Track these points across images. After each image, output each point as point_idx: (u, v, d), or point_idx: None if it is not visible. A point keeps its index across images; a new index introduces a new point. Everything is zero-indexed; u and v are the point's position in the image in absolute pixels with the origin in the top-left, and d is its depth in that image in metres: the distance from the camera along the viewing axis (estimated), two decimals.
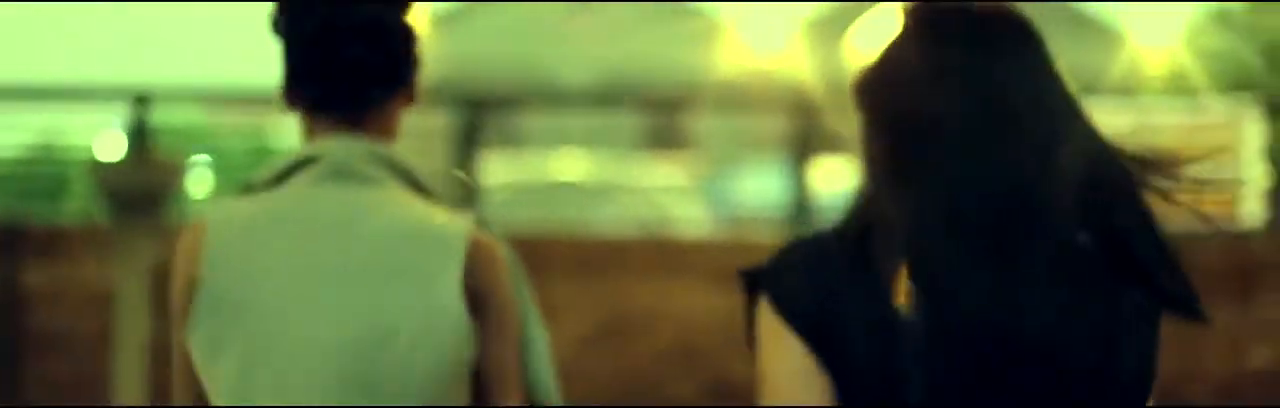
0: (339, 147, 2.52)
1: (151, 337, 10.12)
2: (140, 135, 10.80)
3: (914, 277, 2.04)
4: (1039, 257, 2.05)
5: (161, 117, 18.03)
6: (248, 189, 2.51)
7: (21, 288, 12.45)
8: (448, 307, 2.39)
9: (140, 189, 9.71)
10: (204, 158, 17.20)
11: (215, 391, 2.41)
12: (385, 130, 2.56)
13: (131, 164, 9.86)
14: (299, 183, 2.50)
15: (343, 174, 2.49)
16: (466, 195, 2.63)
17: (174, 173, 10.02)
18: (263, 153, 19.52)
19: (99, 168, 9.76)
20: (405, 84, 2.58)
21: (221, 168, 17.69)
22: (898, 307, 2.04)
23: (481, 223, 2.50)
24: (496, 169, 14.37)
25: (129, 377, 9.89)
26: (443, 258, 2.40)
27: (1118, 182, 2.08)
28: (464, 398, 2.44)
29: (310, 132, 2.57)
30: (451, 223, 2.46)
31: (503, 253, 2.49)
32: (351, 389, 2.37)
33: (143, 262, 9.75)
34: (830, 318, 2.07)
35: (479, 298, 2.43)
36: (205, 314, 2.38)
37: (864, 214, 2.10)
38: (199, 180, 16.72)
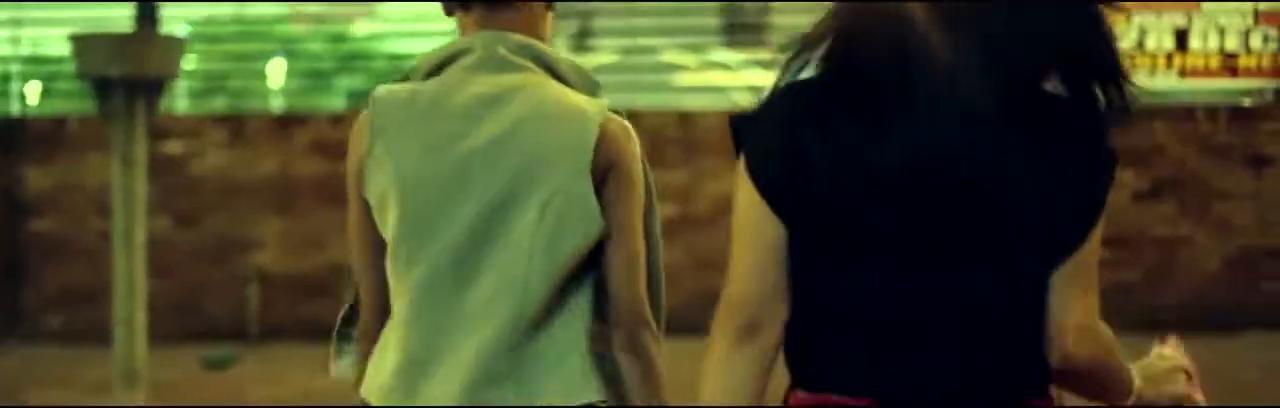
0: (489, 38, 2.88)
1: (146, 236, 9.63)
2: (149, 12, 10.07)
3: (876, 120, 2.34)
4: (994, 102, 2.32)
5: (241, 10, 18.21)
6: (404, 78, 2.90)
7: (22, 189, 11.89)
8: (582, 174, 2.73)
9: (135, 69, 9.07)
10: (280, 53, 17.21)
11: (387, 237, 2.79)
12: (529, 26, 2.91)
13: (129, 40, 9.18)
14: (454, 71, 2.84)
15: (493, 62, 2.84)
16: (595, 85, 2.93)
17: (173, 52, 9.35)
18: (345, 56, 19.50)
19: (90, 43, 9.07)
20: None
21: (298, 66, 17.67)
22: (863, 146, 2.33)
23: (616, 110, 2.85)
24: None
25: (128, 280, 9.37)
26: (579, 135, 2.74)
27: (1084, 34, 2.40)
28: (573, 260, 2.76)
29: (463, 28, 2.92)
30: (589, 104, 2.81)
31: (631, 132, 2.84)
32: (500, 239, 2.72)
33: (139, 154, 9.17)
34: (795, 164, 2.37)
35: (609, 169, 2.76)
36: (374, 181, 2.77)
37: (838, 64, 2.40)
38: (273, 73, 16.81)
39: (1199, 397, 2.62)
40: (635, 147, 2.84)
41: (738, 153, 2.46)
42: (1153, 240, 12.48)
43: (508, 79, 2.83)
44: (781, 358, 2.49)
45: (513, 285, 2.74)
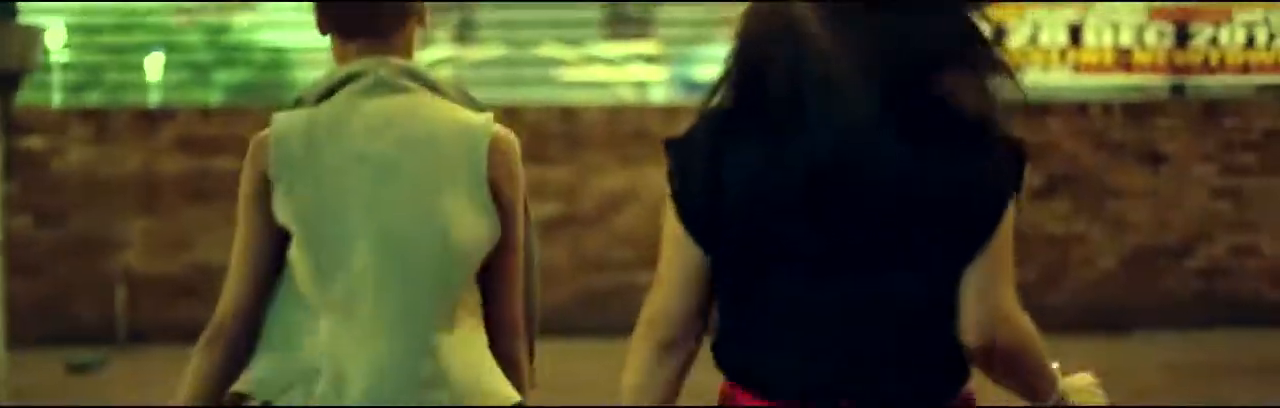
0: (375, 64, 3.13)
1: (5, 235, 9.29)
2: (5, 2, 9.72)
3: (777, 138, 2.54)
4: (884, 108, 2.49)
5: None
6: (298, 103, 3.13)
7: None
8: (475, 186, 2.98)
9: None
10: (158, 49, 16.96)
11: (294, 255, 3.00)
12: (406, 49, 3.19)
13: None
14: (346, 94, 3.07)
15: (382, 86, 3.08)
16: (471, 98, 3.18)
17: (32, 43, 9.00)
18: (224, 48, 19.30)
19: None
20: (416, 11, 3.20)
21: (178, 61, 17.43)
22: (767, 163, 2.54)
23: (496, 118, 3.09)
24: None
25: None
26: (472, 147, 2.98)
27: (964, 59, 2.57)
28: (474, 268, 3.00)
29: (343, 55, 3.18)
30: (475, 118, 3.06)
31: (515, 141, 3.08)
32: (391, 257, 2.94)
33: None
34: (708, 188, 2.60)
35: (498, 179, 3.00)
36: (281, 204, 2.98)
37: (739, 86, 2.62)
38: (152, 69, 16.57)
39: None
40: (517, 153, 3.11)
41: (667, 178, 2.71)
42: (1046, 239, 12.39)
43: (398, 100, 3.08)
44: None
45: (426, 293, 2.98)
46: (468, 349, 3.02)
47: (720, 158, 2.62)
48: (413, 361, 2.96)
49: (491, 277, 3.08)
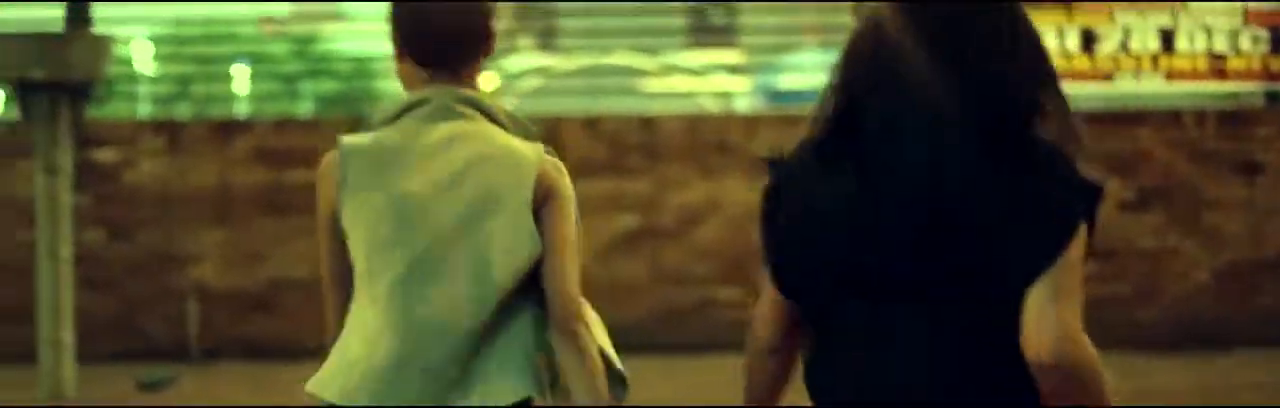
0: (440, 92, 3.48)
1: (76, 249, 9.19)
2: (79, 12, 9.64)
3: (870, 167, 2.82)
4: (977, 145, 2.77)
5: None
6: (367, 126, 3.47)
7: None
8: (522, 207, 3.33)
9: (57, 71, 8.63)
10: (244, 60, 16.98)
11: (356, 263, 3.40)
12: (471, 79, 3.53)
13: (50, 40, 8.73)
14: (409, 120, 3.43)
15: (443, 112, 3.43)
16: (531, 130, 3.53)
17: (101, 52, 8.91)
18: (310, 59, 19.33)
19: (8, 43, 8.61)
20: (486, 42, 3.55)
21: (264, 71, 17.44)
22: (856, 187, 2.81)
23: (548, 150, 3.44)
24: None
25: (53, 296, 8.95)
26: (521, 174, 3.33)
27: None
28: (512, 280, 3.34)
29: (412, 81, 3.53)
30: (526, 148, 3.40)
31: (562, 169, 3.42)
32: (452, 265, 3.32)
33: (63, 161, 8.73)
34: (801, 202, 2.88)
35: (546, 199, 3.34)
36: (347, 218, 3.37)
37: (840, 118, 2.88)
38: (239, 80, 16.59)
39: None
40: (566, 179, 3.44)
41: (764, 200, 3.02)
42: (1139, 253, 12.23)
43: (458, 127, 3.42)
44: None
45: (470, 300, 3.32)
46: (506, 350, 3.37)
47: (800, 188, 2.95)
48: (456, 363, 3.34)
49: (546, 276, 3.39)
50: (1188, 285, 12.27)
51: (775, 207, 2.95)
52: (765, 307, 3.01)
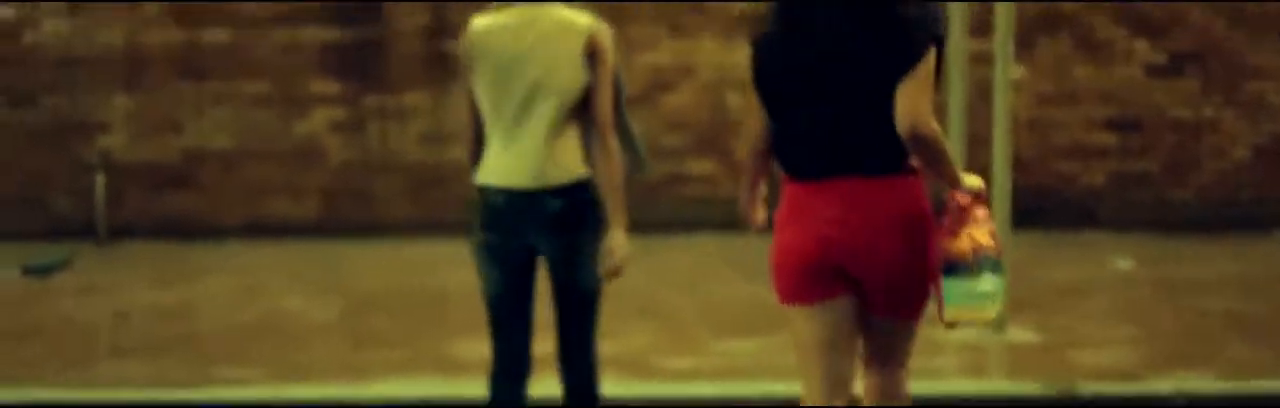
0: None
1: None
2: None
3: (797, 29, 4.68)
4: (862, 20, 4.62)
5: None
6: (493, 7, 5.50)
7: None
8: (576, 57, 5.28)
9: None
10: None
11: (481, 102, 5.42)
12: None
13: None
14: (510, 7, 5.43)
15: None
16: None
17: None
18: None
19: None
20: None
21: None
22: (794, 45, 4.68)
23: (598, 20, 5.40)
24: None
25: None
26: (577, 40, 5.29)
27: None
28: (575, 100, 5.33)
29: None
30: (582, 20, 5.36)
31: (609, 34, 5.36)
32: (534, 94, 5.30)
33: None
34: (762, 57, 4.72)
35: (592, 55, 5.29)
36: (474, 76, 5.35)
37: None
38: None
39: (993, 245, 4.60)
40: (610, 42, 5.33)
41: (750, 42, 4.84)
42: (1171, 124, 11.61)
43: (536, 9, 5.34)
44: None
45: (546, 119, 5.27)
46: (564, 150, 5.27)
47: (768, 36, 4.71)
48: (542, 156, 5.26)
49: (591, 101, 5.29)
50: (1226, 161, 11.67)
51: (755, 50, 4.71)
52: (753, 114, 4.81)
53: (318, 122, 11.22)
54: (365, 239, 11.20)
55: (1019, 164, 11.34)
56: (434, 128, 11.23)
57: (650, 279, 9.44)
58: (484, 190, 5.34)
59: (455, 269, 9.79)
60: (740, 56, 11.31)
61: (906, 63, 4.47)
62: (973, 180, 4.60)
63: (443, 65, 11.14)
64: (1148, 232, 11.40)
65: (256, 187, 11.25)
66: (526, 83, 5.28)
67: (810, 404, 4.71)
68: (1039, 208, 11.35)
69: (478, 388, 6.47)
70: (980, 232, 4.50)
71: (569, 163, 5.28)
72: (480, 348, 7.37)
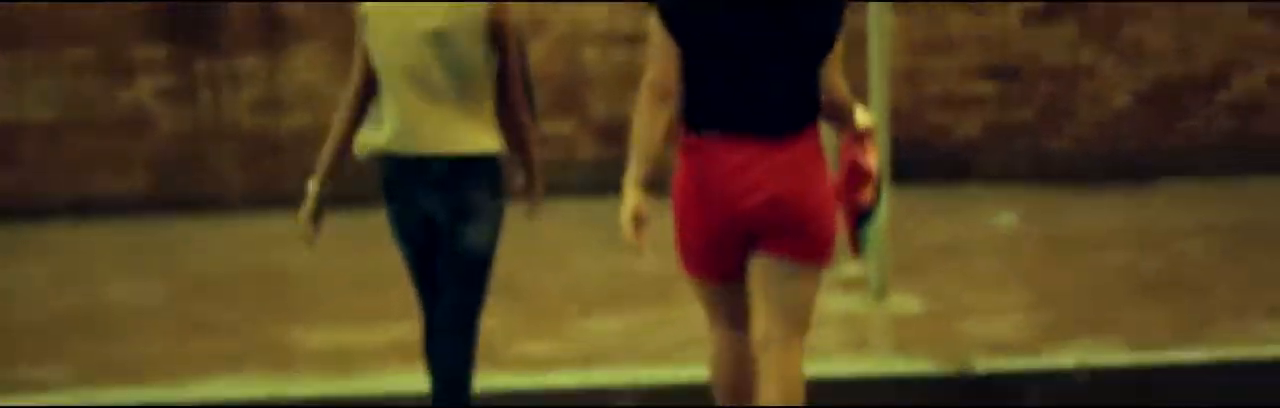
0: None
1: None
2: None
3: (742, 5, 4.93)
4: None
5: None
6: None
7: None
8: (474, 40, 5.30)
9: None
10: None
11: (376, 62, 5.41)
12: None
13: None
14: None
15: None
16: None
17: None
18: None
19: None
20: None
21: None
22: (718, 14, 4.90)
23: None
24: None
25: None
26: (477, 19, 5.27)
27: None
28: (483, 81, 5.37)
29: None
30: (482, 3, 5.34)
31: (510, 9, 5.33)
32: (434, 63, 5.34)
33: None
34: (681, 19, 4.88)
35: (495, 30, 5.31)
36: (373, 51, 5.38)
37: None
38: None
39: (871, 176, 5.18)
40: (513, 17, 5.33)
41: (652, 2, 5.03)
42: (1046, 71, 11.35)
43: None
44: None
45: (451, 91, 5.33)
46: (471, 127, 5.36)
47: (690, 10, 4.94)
48: (449, 125, 5.34)
49: (500, 85, 5.39)
50: (1104, 109, 11.46)
51: (668, 18, 4.92)
52: (667, 65, 4.88)
53: (144, 89, 10.62)
54: (199, 215, 10.60)
55: (893, 116, 10.95)
56: (269, 94, 10.65)
57: (505, 251, 8.94)
58: (380, 159, 5.47)
59: (294, 247, 9.17)
60: (595, 10, 10.80)
61: (838, 31, 4.98)
62: (863, 117, 5.17)
63: (278, 27, 10.54)
64: (1027, 184, 11.07)
65: (80, 161, 10.63)
66: (428, 52, 5.36)
67: (717, 334, 5.11)
68: (914, 160, 10.98)
69: (314, 385, 5.86)
70: (873, 159, 5.19)
71: (470, 134, 5.37)
72: (321, 337, 6.77)
